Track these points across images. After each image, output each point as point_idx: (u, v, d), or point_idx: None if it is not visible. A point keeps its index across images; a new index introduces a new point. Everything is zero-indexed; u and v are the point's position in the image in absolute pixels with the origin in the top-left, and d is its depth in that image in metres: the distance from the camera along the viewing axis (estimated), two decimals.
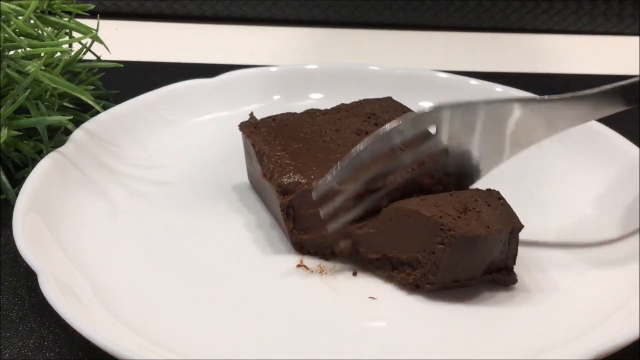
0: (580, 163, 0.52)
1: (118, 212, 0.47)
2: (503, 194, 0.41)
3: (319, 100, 0.59)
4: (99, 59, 0.56)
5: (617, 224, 0.46)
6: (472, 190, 0.43)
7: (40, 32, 0.51)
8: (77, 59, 0.55)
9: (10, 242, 0.42)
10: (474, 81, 0.59)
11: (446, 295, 0.41)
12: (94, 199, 0.48)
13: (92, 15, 0.56)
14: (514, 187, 0.41)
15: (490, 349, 0.38)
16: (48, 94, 0.51)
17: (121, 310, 0.39)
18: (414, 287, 0.41)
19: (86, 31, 0.53)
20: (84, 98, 0.49)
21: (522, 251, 0.42)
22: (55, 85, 0.48)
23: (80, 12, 0.55)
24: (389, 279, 0.42)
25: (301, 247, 0.44)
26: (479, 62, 0.70)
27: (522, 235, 0.41)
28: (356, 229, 0.42)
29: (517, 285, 0.42)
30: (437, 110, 0.41)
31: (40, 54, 0.49)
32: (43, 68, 0.48)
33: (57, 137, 0.50)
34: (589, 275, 0.43)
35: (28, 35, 0.50)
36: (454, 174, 0.43)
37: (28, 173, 0.46)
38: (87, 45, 0.55)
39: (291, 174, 0.43)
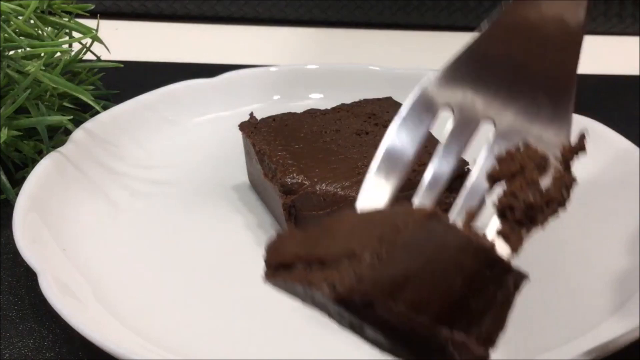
0: (579, 162, 0.52)
1: (118, 212, 0.47)
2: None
3: (319, 100, 0.59)
4: (99, 59, 0.56)
5: (617, 223, 0.46)
6: None
7: (40, 32, 0.51)
8: (77, 59, 0.55)
9: (10, 242, 0.42)
10: None
11: None
12: (94, 199, 0.48)
13: (92, 15, 0.56)
14: None
15: None
16: (48, 94, 0.51)
17: (121, 310, 0.39)
18: None
19: (86, 31, 0.53)
20: (84, 98, 0.49)
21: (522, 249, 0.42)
22: (55, 85, 0.48)
23: (80, 12, 0.55)
24: None
25: None
26: None
27: None
28: None
29: None
30: None
31: (40, 54, 0.49)
32: (43, 68, 0.48)
33: (57, 137, 0.50)
34: (589, 275, 0.43)
35: (28, 35, 0.50)
36: None
37: (28, 173, 0.46)
38: (87, 45, 0.55)
39: (294, 175, 0.43)
